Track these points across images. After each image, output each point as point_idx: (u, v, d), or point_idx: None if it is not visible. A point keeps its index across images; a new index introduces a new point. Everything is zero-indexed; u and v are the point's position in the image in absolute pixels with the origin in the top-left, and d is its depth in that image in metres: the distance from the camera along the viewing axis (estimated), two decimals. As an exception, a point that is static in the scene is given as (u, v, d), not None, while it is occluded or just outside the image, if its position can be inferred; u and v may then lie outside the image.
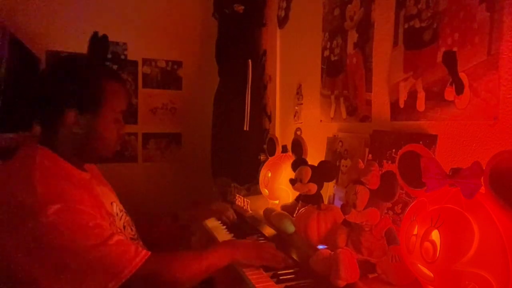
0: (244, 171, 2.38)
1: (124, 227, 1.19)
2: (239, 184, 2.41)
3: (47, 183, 0.94)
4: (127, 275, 0.92)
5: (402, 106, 1.29)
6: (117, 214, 1.17)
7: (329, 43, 1.74)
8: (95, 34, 1.13)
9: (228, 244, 1.15)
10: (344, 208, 1.05)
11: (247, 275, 1.11)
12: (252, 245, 1.20)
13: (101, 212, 1.03)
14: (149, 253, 0.98)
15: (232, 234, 1.55)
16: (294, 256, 1.22)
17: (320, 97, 1.83)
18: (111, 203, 1.16)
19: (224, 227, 1.64)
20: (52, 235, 0.89)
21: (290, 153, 1.74)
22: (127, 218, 1.25)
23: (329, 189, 1.62)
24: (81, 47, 1.19)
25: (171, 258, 1.03)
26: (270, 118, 2.36)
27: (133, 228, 1.27)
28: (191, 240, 1.63)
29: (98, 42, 1.14)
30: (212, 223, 1.71)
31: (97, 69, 1.09)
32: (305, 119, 2.01)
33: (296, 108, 2.08)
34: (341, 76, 1.66)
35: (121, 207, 1.25)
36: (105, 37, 1.14)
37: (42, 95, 1.06)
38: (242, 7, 2.43)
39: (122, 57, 2.84)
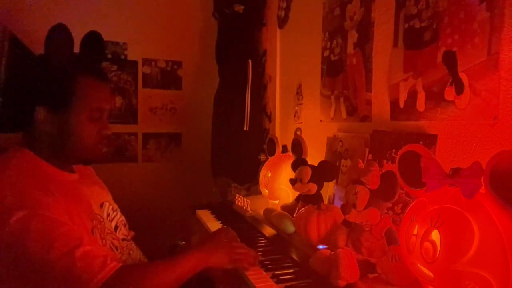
0: (244, 171, 2.38)
1: (116, 227, 1.17)
2: (239, 184, 2.41)
3: (15, 188, 0.91)
4: None
5: (402, 106, 1.29)
6: (108, 215, 1.15)
7: (329, 43, 1.74)
8: (89, 33, 1.10)
9: (201, 250, 1.08)
10: (344, 208, 1.05)
11: (247, 275, 1.10)
12: (224, 248, 1.12)
13: (81, 217, 0.99)
14: (118, 265, 0.93)
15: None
16: (294, 256, 1.22)
17: (320, 97, 1.83)
18: (101, 204, 1.14)
19: (219, 222, 1.64)
20: (14, 244, 0.86)
21: (290, 153, 1.74)
22: (122, 218, 1.23)
23: (329, 189, 1.62)
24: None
25: (143, 271, 0.98)
26: (270, 118, 2.36)
27: (127, 228, 1.26)
28: (190, 240, 1.62)
29: (92, 41, 1.10)
30: (212, 223, 1.71)
31: (69, 65, 1.03)
32: (305, 119, 2.01)
33: (296, 108, 2.08)
34: (341, 76, 1.66)
35: (115, 207, 1.22)
36: (96, 35, 1.11)
37: (16, 93, 1.05)
38: (242, 7, 2.43)
39: (122, 57, 2.84)
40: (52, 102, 1.01)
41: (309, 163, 1.51)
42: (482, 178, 0.73)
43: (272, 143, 1.90)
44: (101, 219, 1.09)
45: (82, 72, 1.04)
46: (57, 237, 0.89)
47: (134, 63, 2.89)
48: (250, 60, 2.33)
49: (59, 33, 1.02)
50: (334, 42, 1.70)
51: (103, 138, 1.08)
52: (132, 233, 1.31)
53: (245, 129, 2.33)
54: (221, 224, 1.68)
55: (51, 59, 1.02)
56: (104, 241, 1.05)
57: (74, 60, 1.06)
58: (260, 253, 1.23)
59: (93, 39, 1.12)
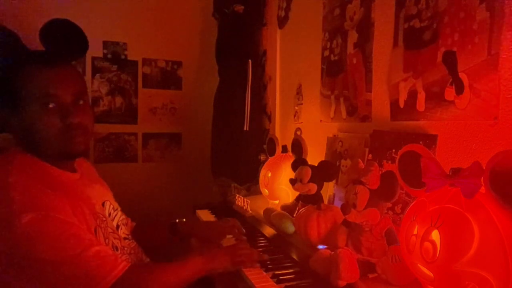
0: (244, 171, 2.37)
1: (117, 226, 1.17)
2: (239, 184, 2.41)
3: (23, 190, 0.90)
4: (104, 287, 0.89)
5: (402, 106, 1.29)
6: (109, 214, 1.15)
7: (329, 43, 1.74)
8: (46, 24, 1.03)
9: (205, 254, 1.10)
10: (344, 208, 1.05)
11: (247, 275, 1.11)
12: (227, 251, 1.15)
13: (85, 217, 0.99)
14: (128, 265, 0.95)
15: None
16: (294, 256, 1.22)
17: (320, 97, 1.83)
18: (103, 203, 1.14)
19: None
20: (25, 246, 0.86)
21: (290, 153, 1.74)
22: (122, 216, 1.24)
23: (329, 189, 1.62)
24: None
25: (150, 271, 1.01)
26: (270, 118, 2.36)
27: (128, 225, 1.26)
28: (191, 241, 1.62)
29: (50, 31, 1.03)
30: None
31: (11, 62, 0.98)
32: (305, 119, 2.01)
33: (296, 108, 2.08)
34: (341, 76, 1.66)
35: (116, 206, 1.22)
36: (54, 23, 1.04)
37: None
38: (242, 7, 2.42)
39: (122, 57, 2.83)
40: (7, 103, 0.98)
41: (309, 163, 1.51)
42: (482, 178, 0.73)
43: (272, 143, 1.90)
44: (104, 218, 1.09)
45: (24, 64, 0.98)
46: (68, 238, 0.90)
47: (134, 63, 2.88)
48: (250, 60, 2.32)
49: (51, 31, 1.00)
50: (334, 42, 1.70)
51: (71, 127, 0.99)
52: (134, 223, 1.33)
53: (245, 129, 2.33)
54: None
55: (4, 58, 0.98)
56: (107, 241, 1.06)
57: (18, 56, 1.00)
58: (260, 253, 1.23)
59: (51, 29, 1.05)
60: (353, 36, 1.57)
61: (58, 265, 0.88)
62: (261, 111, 2.35)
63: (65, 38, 1.05)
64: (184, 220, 1.40)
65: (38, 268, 0.88)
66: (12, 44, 1.00)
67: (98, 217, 1.06)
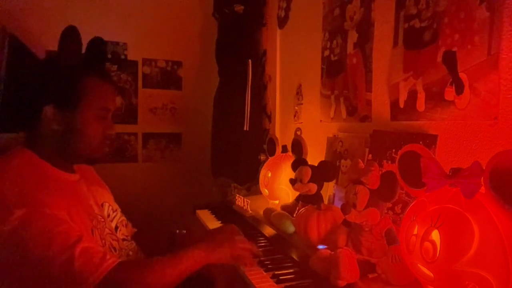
0: (244, 171, 2.38)
1: (116, 227, 1.17)
2: (239, 184, 2.41)
3: (16, 187, 0.91)
4: (91, 284, 0.88)
5: (402, 106, 1.29)
6: (108, 216, 1.15)
7: (329, 43, 1.74)
8: (95, 38, 1.13)
9: (202, 246, 1.07)
10: (344, 208, 1.05)
11: (247, 275, 1.11)
12: (225, 244, 1.10)
13: (81, 218, 1.00)
14: (117, 261, 0.93)
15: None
16: (294, 256, 1.22)
17: (320, 97, 1.83)
18: (102, 204, 1.14)
19: (220, 222, 1.64)
20: (14, 242, 0.87)
21: (290, 153, 1.74)
22: (122, 218, 1.24)
23: (329, 189, 1.62)
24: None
25: (143, 266, 0.99)
26: (270, 118, 2.36)
27: (128, 228, 1.26)
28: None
29: (95, 45, 1.12)
30: (212, 223, 1.71)
31: (76, 65, 1.06)
32: (305, 119, 2.01)
33: (296, 108, 2.08)
34: (341, 76, 1.66)
35: (115, 207, 1.23)
36: (99, 39, 1.13)
37: (20, 93, 1.06)
38: (242, 7, 2.43)
39: (122, 57, 2.83)
40: (61, 101, 1.02)
41: (309, 163, 1.51)
42: (482, 178, 0.73)
43: (272, 143, 1.90)
44: (102, 219, 1.09)
45: (90, 73, 1.07)
46: (57, 234, 0.90)
47: (134, 63, 2.88)
48: (250, 60, 2.32)
49: (72, 34, 1.05)
50: (334, 42, 1.70)
51: (107, 137, 1.11)
52: (134, 229, 1.32)
53: (245, 129, 2.33)
54: (221, 224, 1.67)
55: (64, 59, 1.05)
56: (103, 242, 1.06)
57: (82, 61, 1.09)
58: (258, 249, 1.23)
59: (98, 44, 1.14)
60: (353, 36, 1.57)
61: (46, 260, 0.88)
62: (261, 111, 2.35)
63: (104, 55, 1.18)
64: (184, 231, 1.36)
65: (27, 263, 0.88)
66: (81, 47, 1.08)
67: (95, 218, 1.06)
